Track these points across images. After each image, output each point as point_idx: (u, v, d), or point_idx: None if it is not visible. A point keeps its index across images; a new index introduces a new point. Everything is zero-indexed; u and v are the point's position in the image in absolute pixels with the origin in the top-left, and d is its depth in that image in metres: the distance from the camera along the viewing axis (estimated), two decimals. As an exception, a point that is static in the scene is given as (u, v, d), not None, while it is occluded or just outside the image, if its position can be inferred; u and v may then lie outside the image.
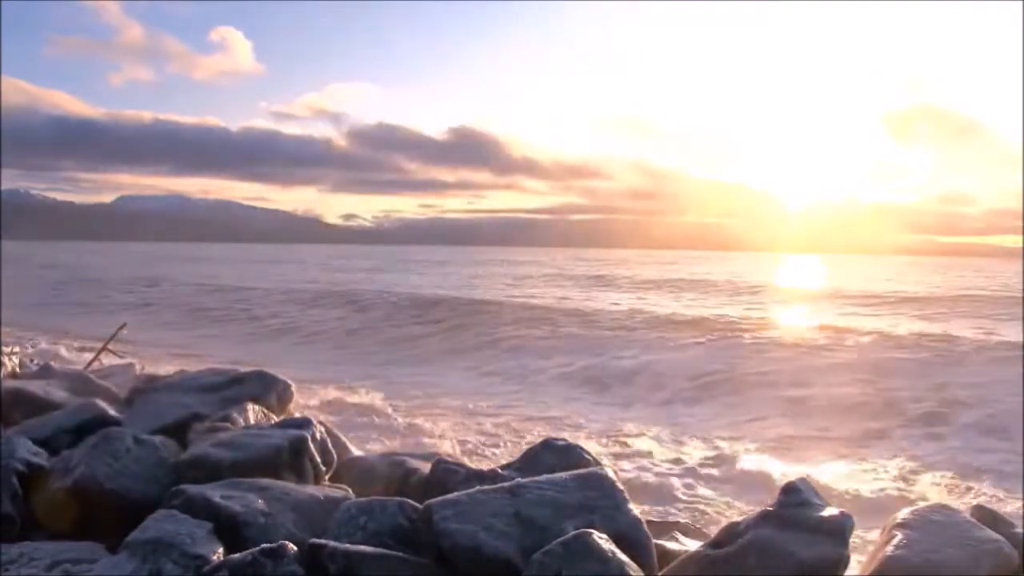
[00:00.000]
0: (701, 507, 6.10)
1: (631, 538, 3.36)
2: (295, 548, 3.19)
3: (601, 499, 3.53)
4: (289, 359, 14.70)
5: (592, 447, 6.04)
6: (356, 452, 5.39)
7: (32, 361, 8.55)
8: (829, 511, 3.38)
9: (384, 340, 17.58)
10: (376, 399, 9.87)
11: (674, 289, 31.31)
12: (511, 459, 4.97)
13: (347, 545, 3.21)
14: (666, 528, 4.45)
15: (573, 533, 3.09)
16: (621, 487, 3.68)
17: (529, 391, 11.85)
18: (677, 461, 7.54)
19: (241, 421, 4.99)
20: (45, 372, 7.06)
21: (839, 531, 3.28)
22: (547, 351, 15.19)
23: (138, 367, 8.49)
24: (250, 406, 5.25)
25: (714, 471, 7.13)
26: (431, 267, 53.28)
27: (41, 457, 4.30)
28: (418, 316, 20.57)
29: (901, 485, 6.83)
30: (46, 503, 4.00)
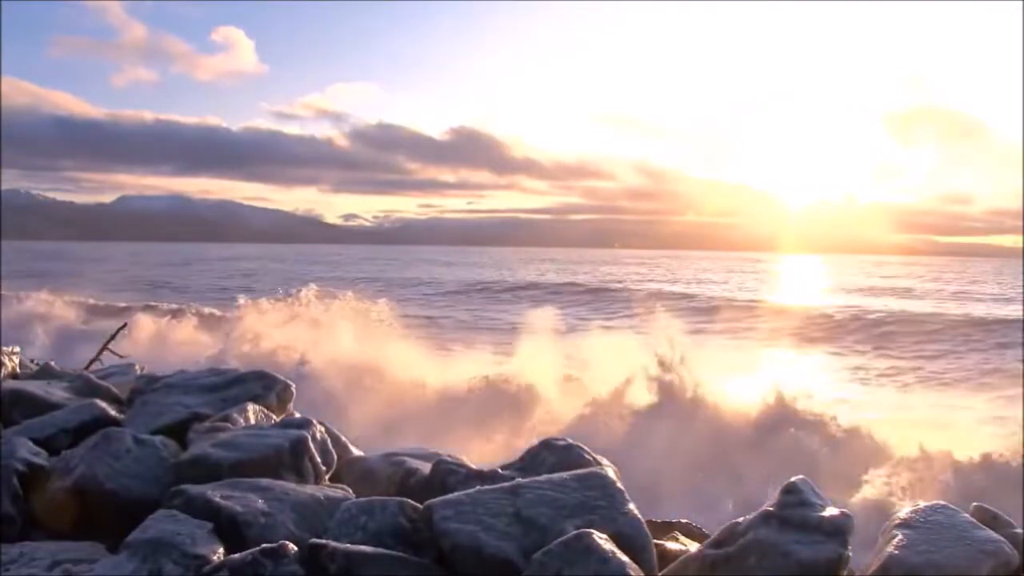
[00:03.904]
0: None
1: (631, 538, 3.36)
2: (295, 548, 3.19)
3: (601, 499, 3.53)
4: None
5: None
6: (356, 452, 5.39)
7: (32, 361, 8.53)
8: (829, 511, 3.38)
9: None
10: None
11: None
12: (511, 459, 4.96)
13: (347, 545, 3.22)
14: (666, 528, 4.45)
15: (573, 533, 3.10)
16: (621, 487, 3.68)
17: None
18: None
19: (241, 421, 4.98)
20: (45, 372, 7.06)
21: (839, 531, 3.28)
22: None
23: (138, 367, 8.48)
24: (250, 406, 5.24)
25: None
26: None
27: (41, 457, 4.30)
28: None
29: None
30: (46, 503, 4.00)
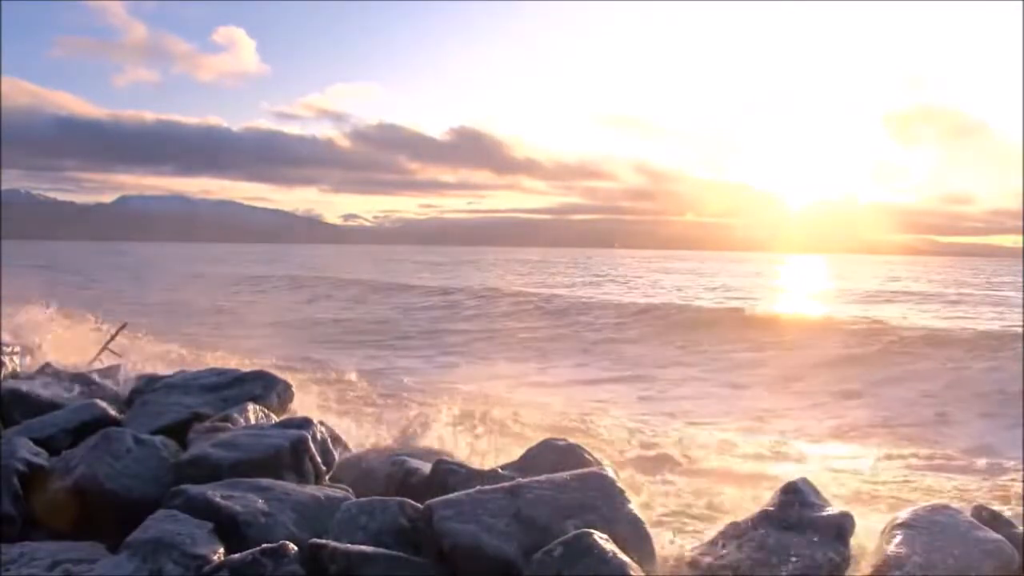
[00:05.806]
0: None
1: (631, 538, 3.36)
2: (295, 548, 3.19)
3: (601, 499, 3.53)
4: None
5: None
6: (356, 452, 5.38)
7: (31, 360, 8.52)
8: (830, 511, 3.38)
9: None
10: None
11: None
12: (511, 459, 4.96)
13: (347, 545, 3.21)
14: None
15: (573, 533, 3.09)
16: (621, 487, 3.67)
17: None
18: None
19: (241, 421, 4.99)
20: (45, 372, 7.06)
21: (840, 531, 3.28)
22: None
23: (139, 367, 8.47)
24: (250, 406, 5.24)
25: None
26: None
27: (41, 457, 4.30)
28: None
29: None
30: (47, 503, 4.00)
